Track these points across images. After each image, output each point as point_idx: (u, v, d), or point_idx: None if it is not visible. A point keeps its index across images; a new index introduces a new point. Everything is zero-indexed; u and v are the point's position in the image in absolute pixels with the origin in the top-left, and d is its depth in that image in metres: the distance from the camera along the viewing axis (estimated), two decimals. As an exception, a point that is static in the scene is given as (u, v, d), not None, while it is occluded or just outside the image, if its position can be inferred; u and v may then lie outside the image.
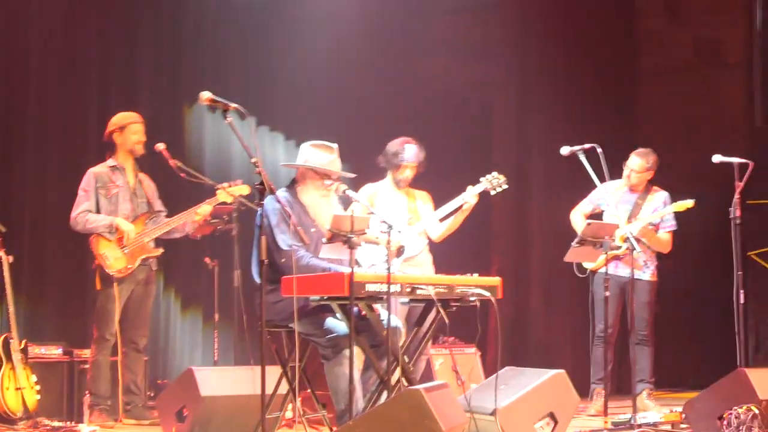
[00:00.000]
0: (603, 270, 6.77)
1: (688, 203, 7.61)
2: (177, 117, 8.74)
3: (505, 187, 7.07)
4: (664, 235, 7.84)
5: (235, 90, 8.93)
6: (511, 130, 9.37)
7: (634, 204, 7.79)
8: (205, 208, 6.89)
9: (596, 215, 7.84)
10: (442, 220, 7.06)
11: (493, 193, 7.05)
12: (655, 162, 7.81)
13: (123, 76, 8.39)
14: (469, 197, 6.89)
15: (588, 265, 7.79)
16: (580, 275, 7.85)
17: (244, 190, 6.93)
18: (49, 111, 7.99)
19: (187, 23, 8.90)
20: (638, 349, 7.52)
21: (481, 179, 7.00)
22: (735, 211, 7.13)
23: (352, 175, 6.11)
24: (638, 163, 7.78)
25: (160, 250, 6.90)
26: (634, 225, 7.63)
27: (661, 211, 7.73)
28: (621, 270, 7.68)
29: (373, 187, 7.04)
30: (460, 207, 6.92)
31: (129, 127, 6.85)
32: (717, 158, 7.29)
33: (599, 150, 6.58)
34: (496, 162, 9.20)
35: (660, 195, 7.87)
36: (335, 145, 5.97)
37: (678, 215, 7.76)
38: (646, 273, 7.78)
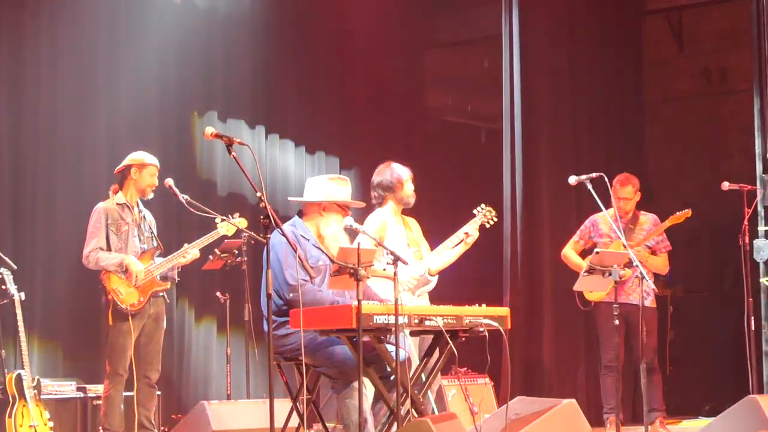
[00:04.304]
0: (609, 300, 6.73)
1: (686, 212, 7.64)
2: (186, 151, 8.79)
3: (496, 219, 6.92)
4: (661, 256, 7.89)
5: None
6: (518, 160, 9.37)
7: (625, 230, 7.80)
8: (193, 253, 6.91)
9: (588, 250, 7.87)
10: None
11: (488, 226, 6.86)
12: (638, 183, 7.93)
13: (132, 112, 8.45)
14: (471, 230, 6.71)
15: (591, 297, 7.84)
16: (584, 308, 7.89)
17: (243, 223, 6.99)
18: (58, 149, 8.05)
19: (195, 49, 8.97)
20: (647, 376, 7.52)
21: (475, 212, 6.80)
22: (744, 238, 7.16)
23: (362, 204, 6.16)
24: (628, 190, 7.84)
25: (168, 284, 6.96)
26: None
27: (658, 227, 7.77)
28: (623, 298, 7.65)
29: (382, 214, 6.78)
30: (462, 241, 6.74)
31: (148, 168, 6.90)
32: (726, 185, 7.34)
33: (606, 179, 6.60)
34: (504, 193, 9.21)
35: (649, 217, 7.94)
36: (347, 179, 6.11)
37: (683, 240, 7.78)
38: (647, 300, 7.77)
